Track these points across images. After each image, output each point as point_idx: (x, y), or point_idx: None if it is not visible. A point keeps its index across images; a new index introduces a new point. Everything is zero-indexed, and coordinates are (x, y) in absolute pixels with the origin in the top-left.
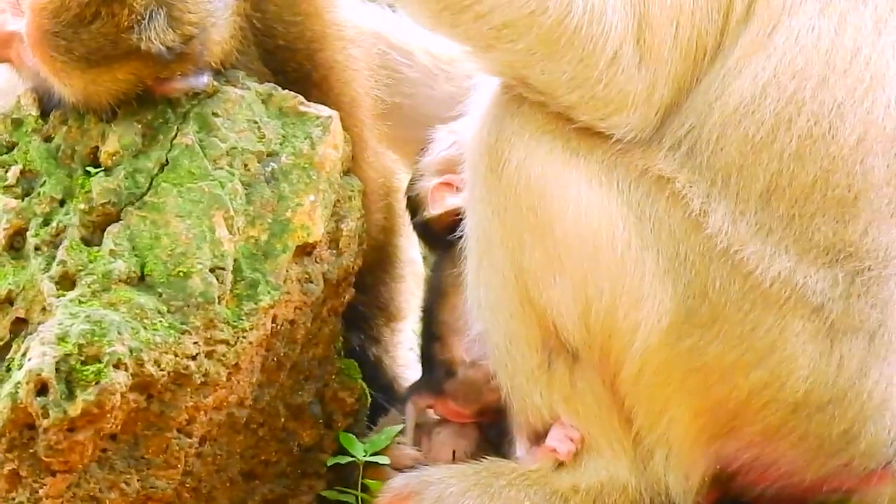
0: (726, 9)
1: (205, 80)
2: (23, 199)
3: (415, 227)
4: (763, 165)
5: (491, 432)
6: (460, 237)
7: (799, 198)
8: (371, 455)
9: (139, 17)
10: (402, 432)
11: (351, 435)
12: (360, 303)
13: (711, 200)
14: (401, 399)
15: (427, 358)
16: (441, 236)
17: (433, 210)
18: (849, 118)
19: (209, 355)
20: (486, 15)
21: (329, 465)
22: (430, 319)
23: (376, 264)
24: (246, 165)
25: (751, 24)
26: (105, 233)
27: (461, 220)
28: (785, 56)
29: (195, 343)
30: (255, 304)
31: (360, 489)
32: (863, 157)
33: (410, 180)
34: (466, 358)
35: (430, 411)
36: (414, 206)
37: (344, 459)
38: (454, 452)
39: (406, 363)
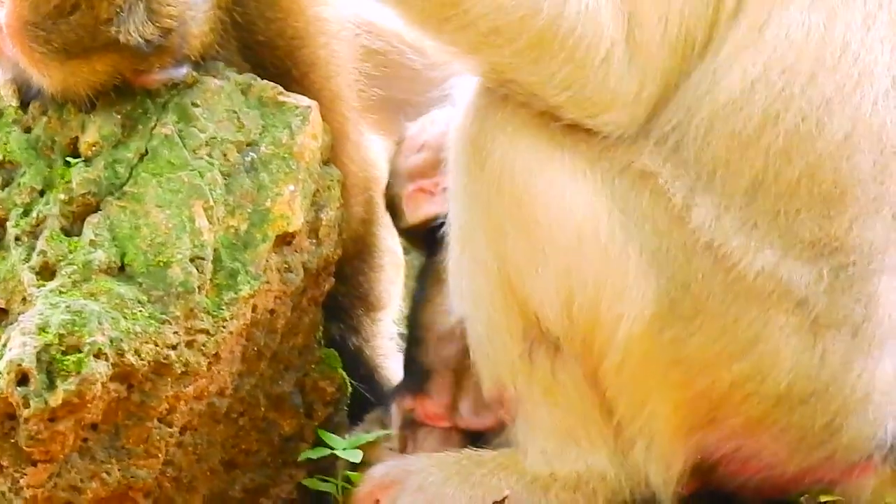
0: (716, 4)
1: (184, 72)
2: (2, 190)
3: (397, 230)
4: (749, 161)
5: (475, 438)
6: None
7: (785, 193)
8: (349, 449)
9: (118, 10)
10: (388, 436)
11: (330, 433)
12: (339, 293)
13: (695, 195)
14: (380, 389)
15: (409, 361)
16: (424, 237)
17: (411, 219)
18: (837, 114)
19: (189, 345)
20: (475, 19)
21: (301, 459)
22: (413, 324)
23: (356, 254)
24: (225, 155)
25: (741, 19)
26: (85, 223)
27: (442, 224)
28: (775, 52)
29: (175, 333)
30: (235, 293)
31: (341, 479)
32: (850, 153)
33: (388, 179)
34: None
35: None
36: (392, 209)
37: (317, 453)
38: None
39: (386, 353)
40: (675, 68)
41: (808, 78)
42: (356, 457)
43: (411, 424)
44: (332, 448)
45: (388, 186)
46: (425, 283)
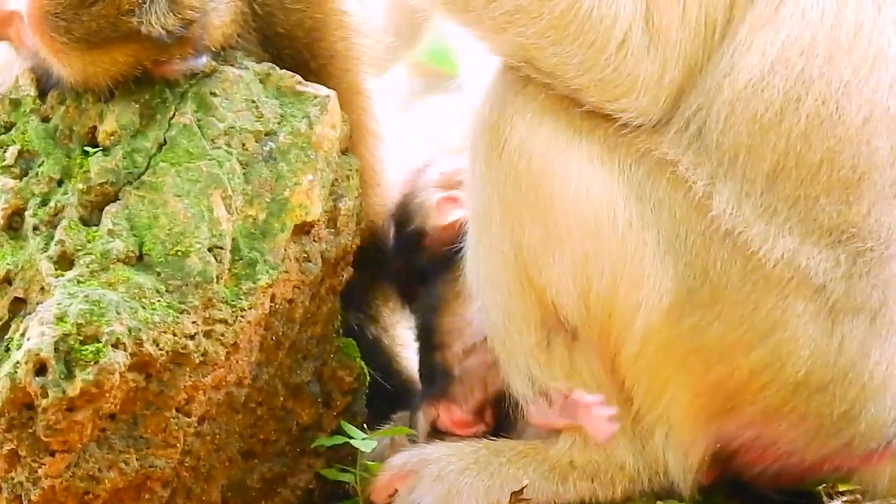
0: None
1: (203, 62)
2: (21, 180)
3: (406, 240)
4: (771, 146)
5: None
6: (459, 251)
7: (805, 178)
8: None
9: (140, 1)
10: (412, 437)
11: (351, 426)
12: (358, 282)
13: (716, 182)
14: (398, 378)
15: (428, 370)
16: (435, 252)
17: (440, 220)
18: (854, 98)
19: (208, 335)
20: (496, 2)
21: (314, 445)
22: (428, 333)
23: (373, 244)
24: (244, 145)
25: (757, 0)
26: (103, 212)
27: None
28: (792, 31)
29: (194, 322)
30: (254, 283)
31: (358, 469)
32: (868, 137)
33: (404, 196)
34: (460, 350)
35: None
36: (409, 216)
37: (331, 441)
38: None
39: (404, 342)
40: (697, 52)
41: (825, 59)
42: (369, 447)
43: (438, 433)
44: (349, 437)
45: (414, 196)
46: (437, 292)
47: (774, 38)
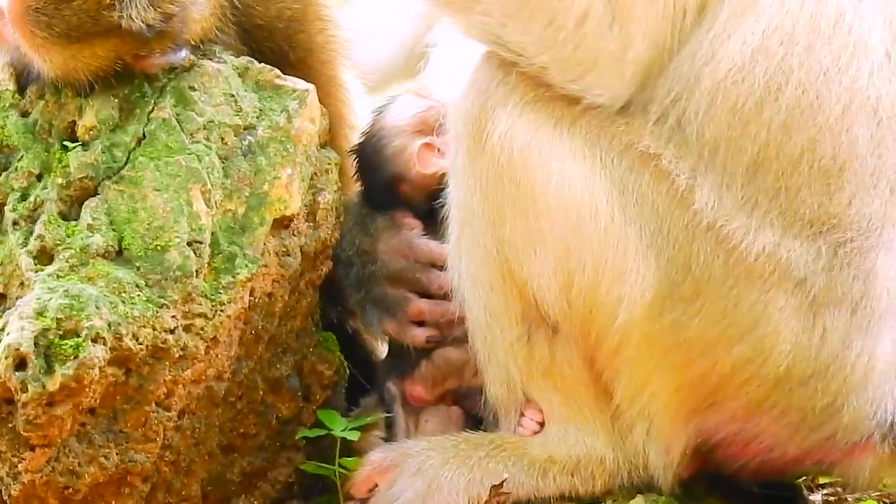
0: None
1: (183, 56)
2: (0, 174)
3: (380, 183)
4: (751, 137)
5: (476, 420)
6: (439, 206)
7: (786, 170)
8: (347, 430)
9: None
10: (389, 422)
11: (331, 410)
12: (337, 276)
13: (698, 175)
14: (376, 372)
15: (396, 344)
16: (414, 200)
17: (423, 169)
18: (834, 86)
19: (187, 329)
20: None
21: (298, 437)
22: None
23: None
24: (223, 139)
25: None
26: (83, 207)
27: (437, 190)
28: (773, 19)
29: (173, 317)
30: (233, 277)
31: (337, 464)
32: (848, 126)
33: (374, 139)
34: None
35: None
36: (384, 162)
37: (314, 433)
38: None
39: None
40: (665, 33)
41: (805, 48)
42: (354, 436)
43: (410, 406)
44: (329, 429)
45: (388, 139)
46: None
47: (755, 26)
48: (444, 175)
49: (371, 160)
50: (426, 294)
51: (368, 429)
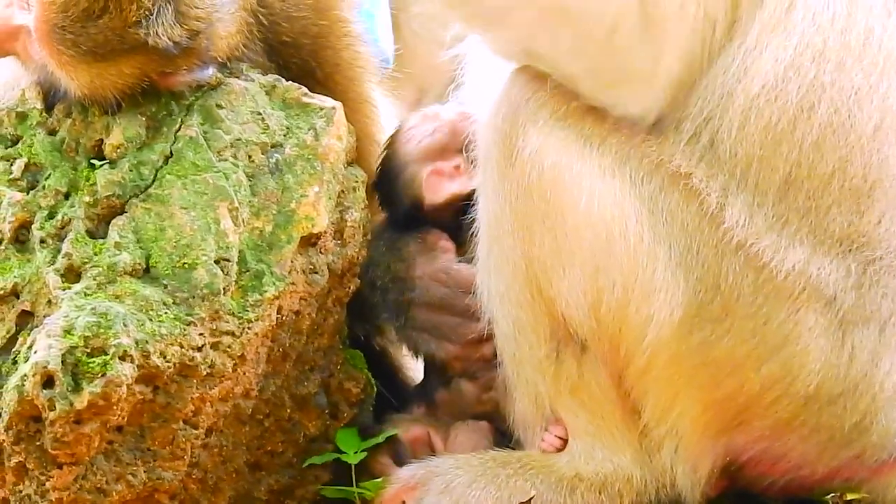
0: None
1: (209, 73)
2: (28, 193)
3: (404, 212)
4: (783, 156)
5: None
6: (466, 223)
7: (817, 188)
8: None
9: (147, 12)
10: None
11: (351, 430)
12: (370, 299)
13: (729, 194)
14: (404, 390)
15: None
16: (439, 222)
17: (434, 199)
18: (866, 105)
19: (215, 346)
20: None
21: (306, 464)
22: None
23: None
24: (250, 157)
25: (766, 1)
26: (110, 225)
27: (462, 206)
28: (804, 35)
29: (201, 334)
30: (261, 295)
31: (355, 486)
32: (879, 145)
33: (394, 165)
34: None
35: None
36: (406, 193)
37: (322, 459)
38: None
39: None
40: (696, 47)
41: (836, 65)
42: (356, 460)
43: (442, 421)
44: (340, 452)
45: (399, 170)
46: None
47: (787, 42)
48: (464, 192)
49: (387, 191)
50: (474, 316)
51: (378, 450)
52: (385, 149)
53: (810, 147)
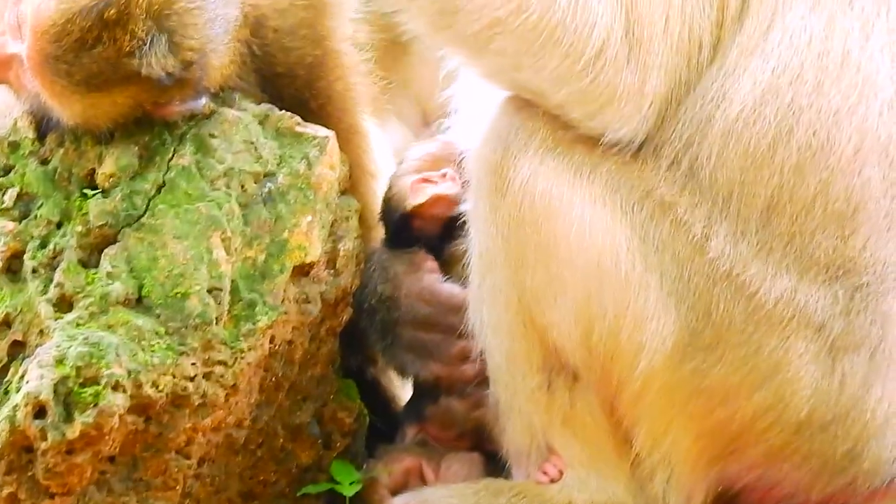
0: (720, 4)
1: (203, 104)
2: (20, 222)
3: (394, 227)
4: (764, 181)
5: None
6: (454, 236)
7: (799, 214)
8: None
9: (140, 43)
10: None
11: (345, 462)
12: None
13: (713, 223)
14: (397, 420)
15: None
16: (427, 234)
17: (415, 199)
18: (845, 127)
19: (207, 376)
20: (475, 16)
21: (299, 494)
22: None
23: None
24: (243, 186)
25: (746, 20)
26: (102, 255)
27: (450, 218)
28: (781, 58)
29: (193, 364)
30: (253, 324)
31: None
32: (860, 167)
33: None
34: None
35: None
36: (392, 204)
37: (317, 489)
38: None
39: (403, 383)
40: (682, 67)
41: (814, 87)
42: (351, 491)
43: (434, 451)
44: (335, 483)
45: (391, 187)
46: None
47: (764, 65)
48: (451, 202)
49: (384, 212)
50: (458, 334)
51: (371, 481)
52: (391, 181)
53: (791, 171)
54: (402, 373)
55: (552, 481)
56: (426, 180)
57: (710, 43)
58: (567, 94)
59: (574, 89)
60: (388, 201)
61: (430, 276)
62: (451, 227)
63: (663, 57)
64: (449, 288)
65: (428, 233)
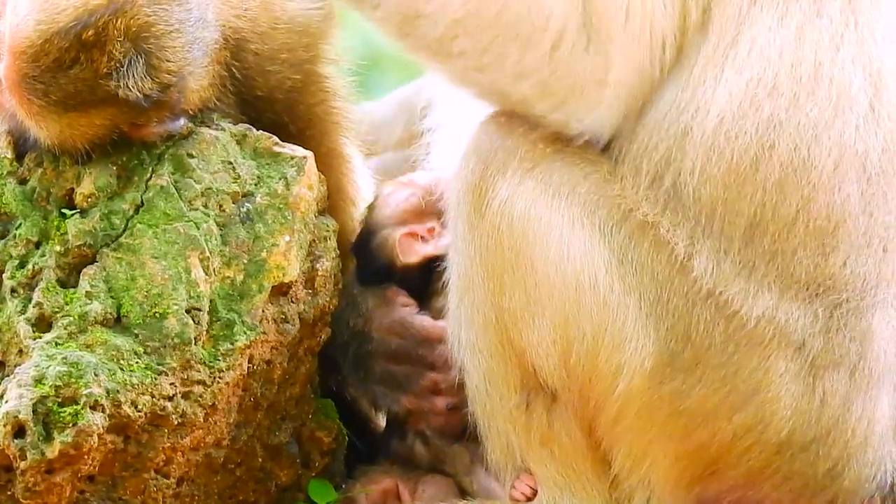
0: (682, 9)
1: (181, 125)
2: None
3: (375, 271)
4: (747, 198)
5: None
6: (434, 283)
7: (781, 231)
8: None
9: (118, 65)
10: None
11: (324, 481)
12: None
13: (696, 242)
14: (375, 440)
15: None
16: (408, 280)
17: (408, 260)
18: (824, 142)
19: (186, 396)
20: (434, 20)
21: None
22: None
23: None
24: (221, 206)
25: (710, 31)
26: (81, 274)
27: (432, 266)
28: (754, 70)
29: (172, 384)
30: (232, 344)
31: None
32: (839, 184)
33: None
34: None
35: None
36: (377, 254)
37: None
38: None
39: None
40: (645, 59)
41: (790, 100)
42: None
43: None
44: (312, 502)
45: (374, 233)
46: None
47: (737, 77)
48: (437, 254)
49: (362, 256)
50: (429, 367)
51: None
52: (364, 216)
53: (773, 187)
54: (375, 406)
55: (527, 500)
56: (413, 235)
57: (672, 45)
58: (529, 87)
59: (535, 81)
60: (371, 249)
61: (402, 310)
62: (433, 272)
63: (624, 47)
64: (421, 320)
65: (409, 279)
